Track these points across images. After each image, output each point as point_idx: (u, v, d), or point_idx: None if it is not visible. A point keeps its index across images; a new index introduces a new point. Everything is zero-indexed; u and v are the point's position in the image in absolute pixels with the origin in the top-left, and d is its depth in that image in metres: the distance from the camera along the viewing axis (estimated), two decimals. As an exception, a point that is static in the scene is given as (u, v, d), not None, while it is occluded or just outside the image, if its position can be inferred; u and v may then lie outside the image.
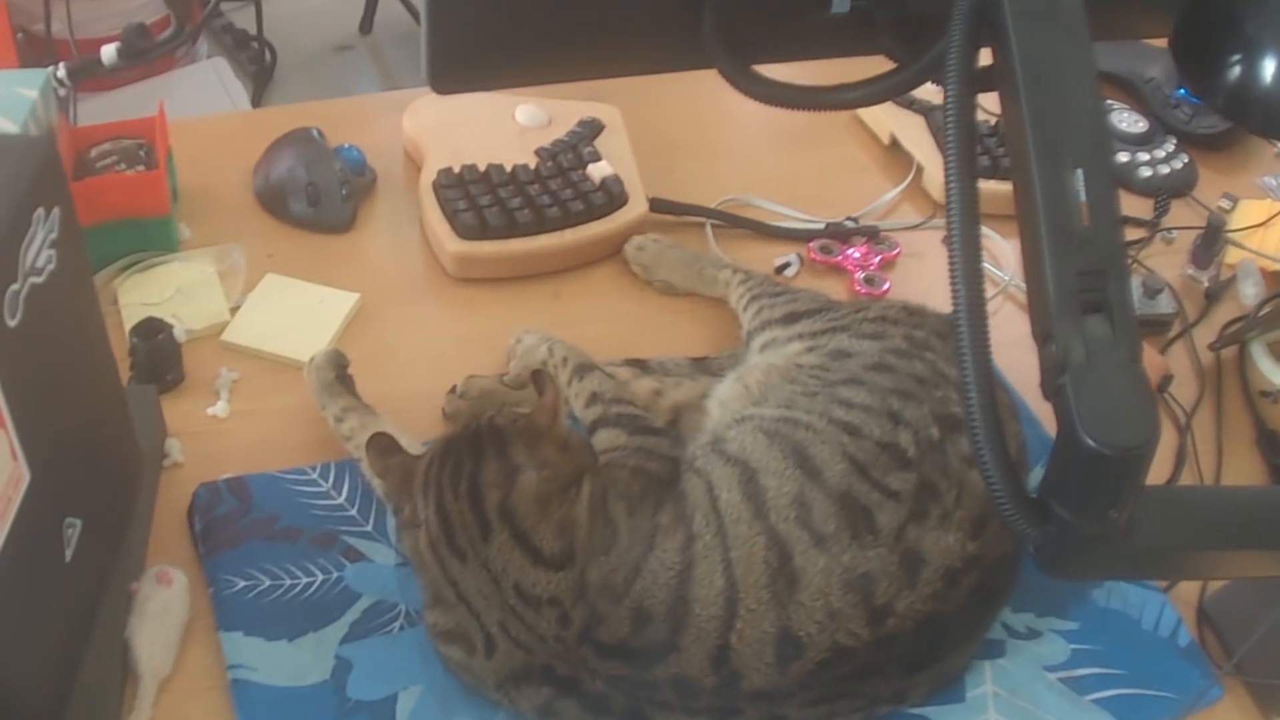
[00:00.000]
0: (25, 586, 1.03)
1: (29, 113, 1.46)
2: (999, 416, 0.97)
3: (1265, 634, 1.23)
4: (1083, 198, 0.96)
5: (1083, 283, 0.95)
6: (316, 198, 1.68)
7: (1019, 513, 0.97)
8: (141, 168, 1.61)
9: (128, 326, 1.47)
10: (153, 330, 1.45)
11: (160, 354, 1.45)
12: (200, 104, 3.05)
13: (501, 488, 1.16)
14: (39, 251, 1.02)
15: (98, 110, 2.18)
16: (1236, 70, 1.13)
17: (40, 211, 1.03)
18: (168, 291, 1.56)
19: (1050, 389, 0.95)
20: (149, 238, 1.61)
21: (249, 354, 1.52)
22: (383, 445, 1.24)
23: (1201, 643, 1.34)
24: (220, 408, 1.45)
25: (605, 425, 1.34)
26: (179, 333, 1.48)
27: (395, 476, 1.23)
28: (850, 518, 1.16)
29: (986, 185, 1.65)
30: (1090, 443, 0.90)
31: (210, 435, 1.43)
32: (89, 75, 1.71)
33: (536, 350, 1.46)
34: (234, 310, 1.56)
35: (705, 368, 1.52)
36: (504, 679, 1.16)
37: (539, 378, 1.23)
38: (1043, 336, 0.96)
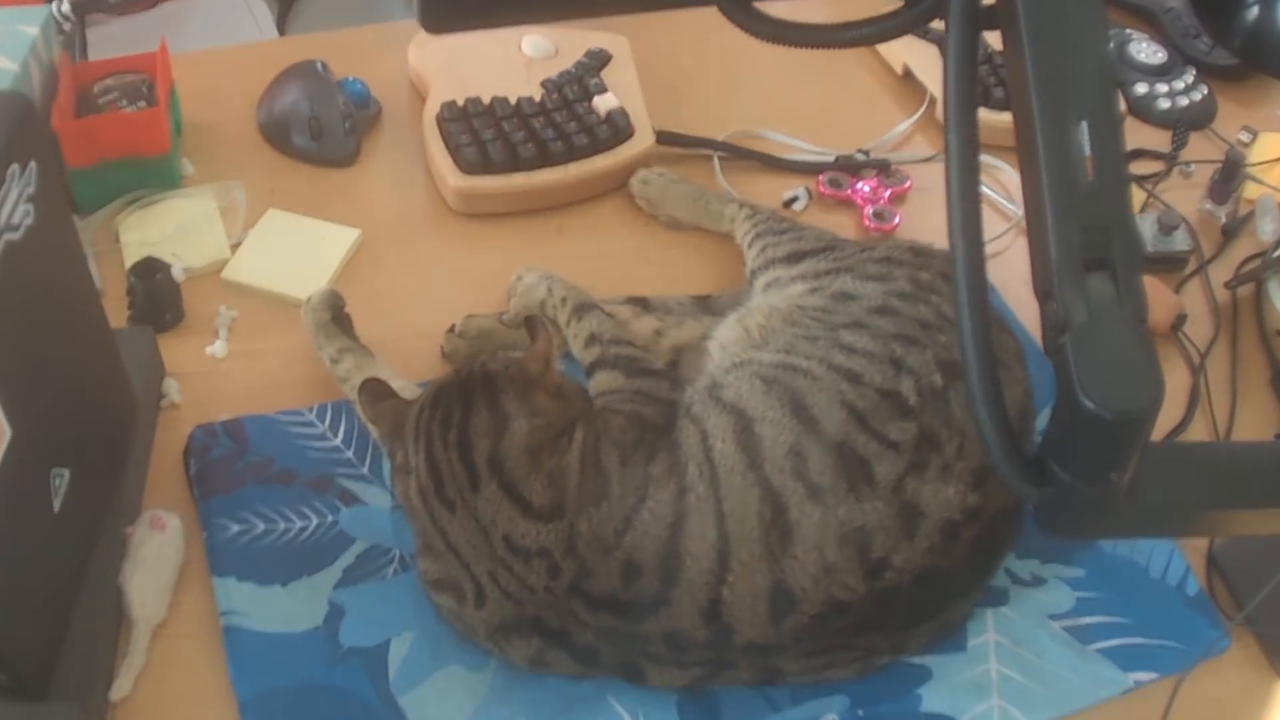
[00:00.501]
0: (12, 539, 1.02)
1: (29, 50, 1.44)
2: (998, 375, 0.95)
3: (1277, 585, 1.21)
4: (1088, 151, 0.93)
5: (1086, 239, 0.92)
6: (319, 131, 1.66)
7: (1017, 474, 0.95)
8: (144, 104, 1.59)
9: (128, 265, 1.46)
10: (151, 270, 1.44)
11: (158, 294, 1.44)
12: (224, 27, 3.00)
13: (491, 438, 1.14)
14: (14, 207, 1.01)
15: (117, 34, 2.17)
16: (1255, 10, 1.10)
17: (15, 167, 1.01)
18: (168, 229, 1.55)
19: (1051, 348, 0.92)
20: (150, 175, 1.59)
21: (249, 291, 1.51)
22: (375, 390, 1.23)
23: (1210, 592, 1.33)
24: (218, 347, 1.44)
25: (603, 367, 1.32)
26: (177, 272, 1.46)
27: (387, 422, 1.22)
28: (847, 469, 1.14)
29: (1000, 116, 1.63)
30: (1090, 405, 0.88)
31: (208, 375, 1.42)
32: (93, 9, 1.69)
33: (536, 289, 1.45)
34: (234, 247, 1.55)
35: (708, 307, 1.50)
36: (494, 629, 1.15)
37: (532, 323, 1.21)
38: (1043, 294, 0.93)
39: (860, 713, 1.19)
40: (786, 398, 1.19)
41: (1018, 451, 0.95)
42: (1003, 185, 1.74)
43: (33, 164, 1.04)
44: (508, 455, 1.14)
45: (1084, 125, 0.93)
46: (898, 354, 1.23)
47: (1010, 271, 1.53)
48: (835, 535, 1.12)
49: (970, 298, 0.94)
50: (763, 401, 1.20)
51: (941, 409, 1.19)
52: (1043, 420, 1.20)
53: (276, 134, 1.70)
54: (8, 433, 1.00)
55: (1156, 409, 0.89)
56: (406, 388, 1.30)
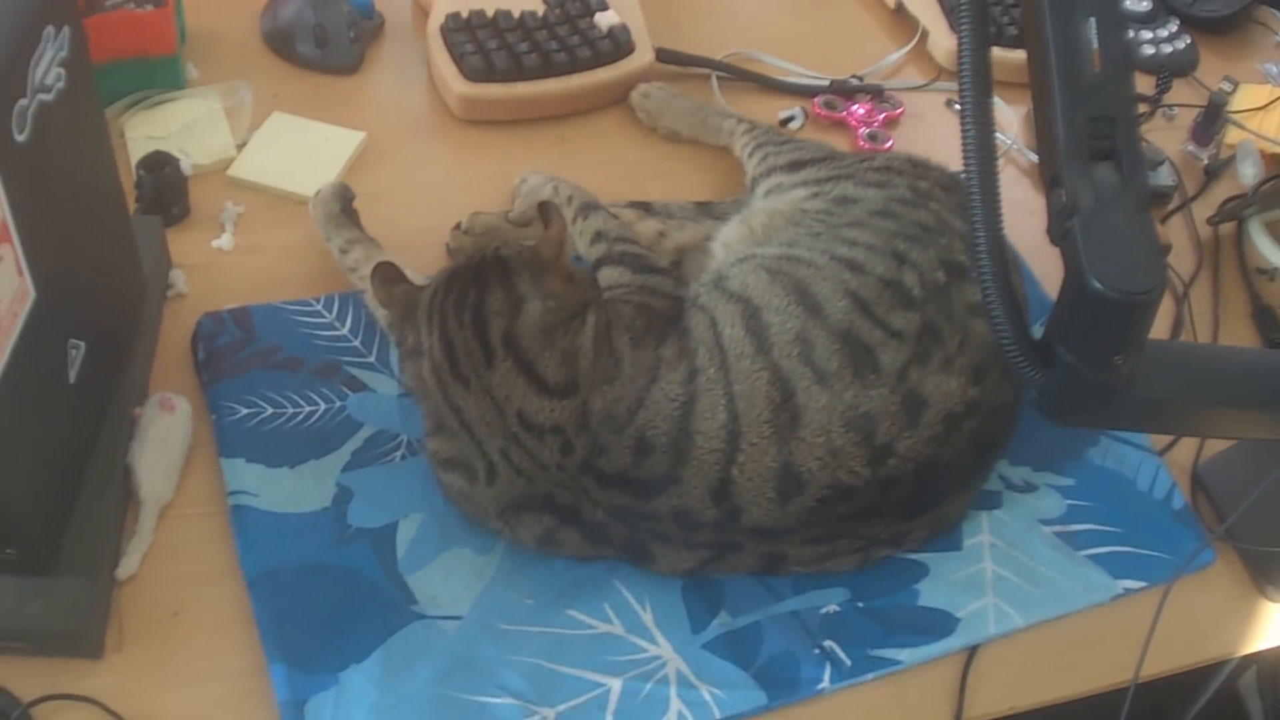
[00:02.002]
0: (29, 405, 1.03)
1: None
2: (1007, 261, 0.97)
3: (1257, 500, 1.24)
4: (1095, 45, 0.95)
5: (1093, 129, 0.94)
6: (324, 39, 1.67)
7: (1024, 355, 0.97)
8: (150, 6, 1.58)
9: (134, 161, 1.46)
10: (159, 163, 1.44)
11: (166, 186, 1.44)
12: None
13: (506, 316, 1.16)
14: (48, 69, 1.01)
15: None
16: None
17: (50, 29, 1.01)
18: (173, 127, 1.55)
19: (1058, 233, 0.95)
20: (156, 76, 1.60)
21: (254, 189, 1.52)
22: (388, 274, 1.24)
23: (1195, 506, 1.36)
24: (225, 240, 1.45)
25: (610, 263, 1.34)
26: (185, 166, 1.47)
27: (399, 305, 1.23)
28: (853, 355, 1.16)
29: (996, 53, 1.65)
30: (1098, 286, 0.90)
31: (214, 268, 1.43)
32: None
33: (541, 189, 1.46)
34: (240, 147, 1.55)
35: (709, 211, 1.52)
36: (504, 507, 1.17)
37: (546, 209, 1.22)
38: (1051, 180, 0.96)
39: (860, 604, 1.22)
40: (791, 286, 1.21)
41: (1026, 331, 0.97)
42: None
43: (66, 28, 1.04)
44: (523, 333, 1.15)
45: (1091, 20, 0.96)
46: (900, 249, 1.25)
47: (1002, 197, 1.55)
48: (841, 419, 1.14)
49: (983, 181, 0.96)
50: (768, 290, 1.21)
51: (944, 304, 1.21)
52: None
53: (281, 42, 1.70)
54: (32, 294, 1.01)
55: (1161, 291, 0.92)
56: (415, 278, 1.30)
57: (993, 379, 1.20)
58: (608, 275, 1.33)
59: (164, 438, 1.24)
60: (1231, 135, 1.79)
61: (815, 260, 1.24)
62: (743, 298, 1.22)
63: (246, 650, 1.14)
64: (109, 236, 1.24)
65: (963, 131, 0.96)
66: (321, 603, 1.16)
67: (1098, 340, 0.95)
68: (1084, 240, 0.92)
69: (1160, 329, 1.53)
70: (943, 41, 1.83)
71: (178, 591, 1.17)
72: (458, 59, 1.63)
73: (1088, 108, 0.95)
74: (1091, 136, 0.94)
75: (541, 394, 1.14)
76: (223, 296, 1.39)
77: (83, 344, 1.13)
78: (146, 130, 1.54)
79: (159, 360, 1.34)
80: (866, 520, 1.18)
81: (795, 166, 1.45)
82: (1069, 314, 0.96)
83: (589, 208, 1.42)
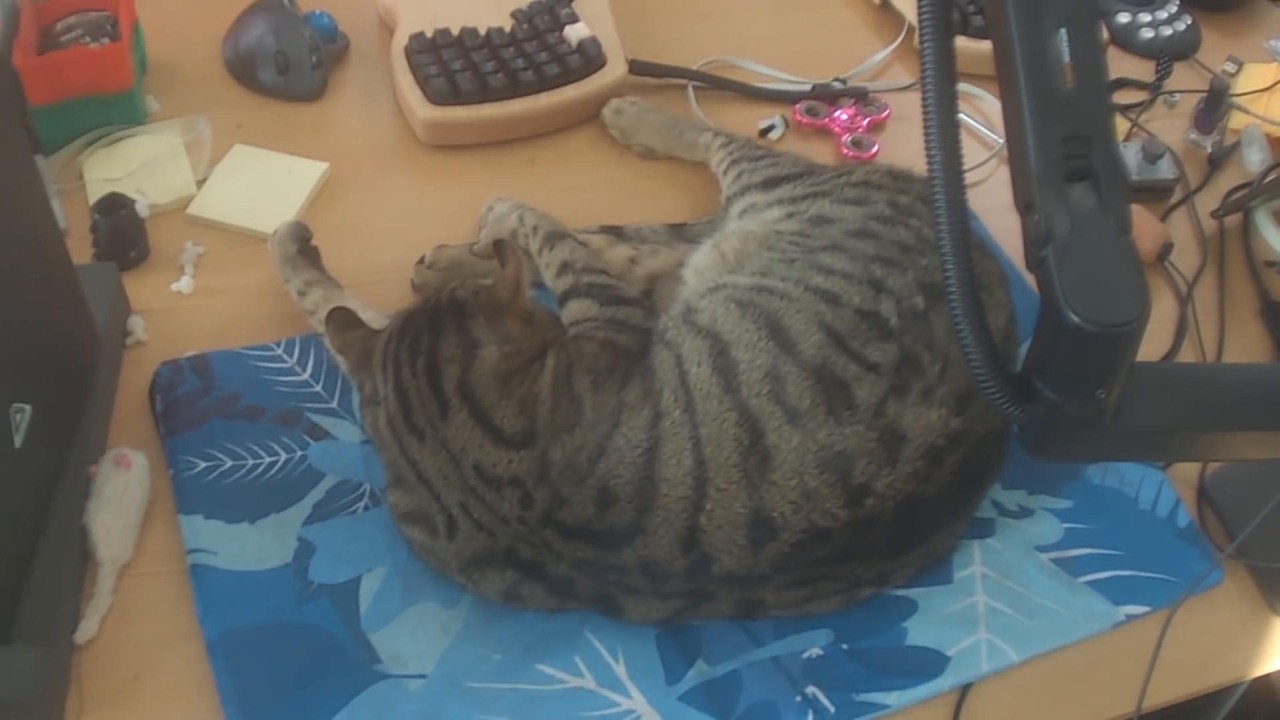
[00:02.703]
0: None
1: (-11, -12, 1.40)
2: (979, 290, 0.93)
3: (1269, 515, 1.18)
4: (1067, 59, 0.90)
5: (1067, 149, 0.89)
6: (286, 66, 1.63)
7: (1001, 392, 0.93)
8: (107, 40, 1.56)
9: (93, 202, 1.42)
10: (114, 206, 1.41)
11: (122, 230, 1.41)
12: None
13: (460, 363, 1.12)
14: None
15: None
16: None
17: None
18: (133, 165, 1.52)
19: (1033, 261, 0.90)
20: (114, 112, 1.56)
21: (215, 227, 1.48)
22: (342, 320, 1.21)
23: (1201, 523, 1.31)
24: (185, 283, 1.41)
25: (576, 296, 1.30)
26: (141, 208, 1.44)
27: (355, 352, 1.19)
28: (826, 392, 1.12)
29: (978, 45, 1.61)
30: (1075, 319, 0.86)
31: (174, 312, 1.39)
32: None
33: (507, 219, 1.42)
34: (200, 183, 1.52)
35: (683, 234, 1.48)
36: (466, 562, 1.13)
37: (502, 248, 1.18)
38: (1025, 206, 0.91)
39: (844, 646, 1.18)
40: (762, 320, 1.17)
41: (1002, 367, 0.93)
42: (983, 114, 1.72)
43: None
44: (478, 382, 1.11)
45: (1062, 32, 0.91)
46: (877, 275, 1.20)
47: (993, 199, 1.51)
48: (815, 460, 1.09)
49: (950, 208, 0.92)
50: (738, 325, 1.17)
51: (923, 331, 1.17)
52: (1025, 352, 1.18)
53: (243, 69, 1.66)
54: (-36, 366, 0.97)
55: (1143, 322, 0.87)
56: (375, 319, 1.27)
57: (978, 406, 1.15)
58: (574, 308, 1.28)
59: (120, 496, 1.20)
60: (1236, 120, 1.74)
61: (788, 291, 1.20)
62: (711, 333, 1.17)
63: (209, 714, 1.10)
64: (51, 290, 1.20)
65: (926, 140, 0.93)
66: (283, 664, 1.12)
67: (1078, 374, 0.90)
68: (1059, 270, 0.87)
69: (1164, 332, 1.49)
70: (930, 38, 1.78)
71: (138, 654, 1.14)
72: (421, 82, 1.59)
73: (1061, 126, 0.90)
74: (1066, 157, 0.89)
75: (498, 445, 1.09)
76: (183, 341, 1.35)
77: (28, 407, 1.09)
78: (105, 171, 1.51)
79: (119, 411, 1.30)
80: (847, 562, 1.14)
81: (770, 184, 1.41)
82: (1047, 347, 0.91)
83: (555, 237, 1.37)
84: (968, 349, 0.92)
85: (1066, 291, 0.87)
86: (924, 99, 0.93)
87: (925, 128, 0.93)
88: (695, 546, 1.09)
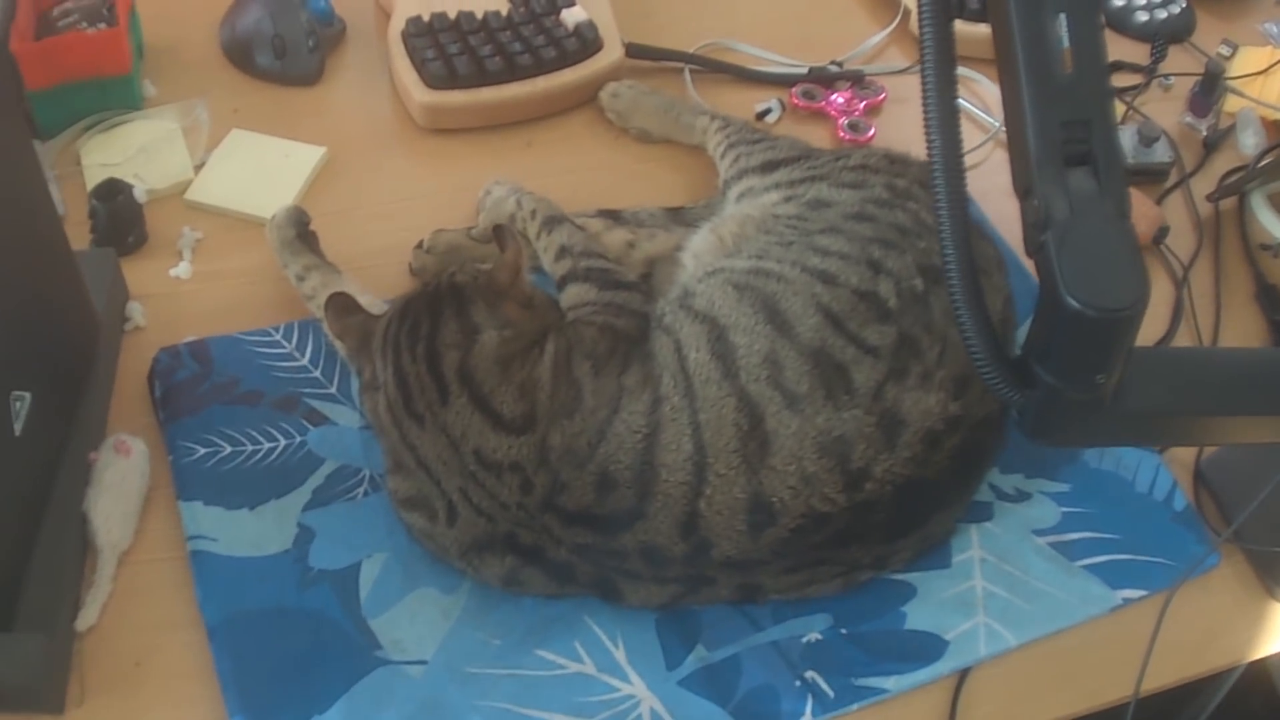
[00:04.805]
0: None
1: (-16, -27, 1.41)
2: (979, 274, 0.93)
3: (1266, 498, 1.18)
4: (1066, 44, 0.90)
5: (1066, 134, 0.89)
6: (283, 50, 1.63)
7: (1000, 377, 0.93)
8: (104, 25, 1.55)
9: (91, 188, 1.42)
10: (112, 192, 1.40)
11: (120, 216, 1.41)
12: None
13: (460, 348, 1.12)
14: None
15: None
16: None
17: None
18: (130, 150, 1.52)
19: (1032, 246, 0.90)
20: (111, 97, 1.56)
21: (213, 212, 1.48)
22: (341, 305, 1.21)
23: (1198, 507, 1.31)
24: (183, 269, 1.41)
25: (574, 280, 1.30)
26: (139, 193, 1.43)
27: (354, 337, 1.19)
28: (825, 377, 1.12)
29: (977, 28, 1.61)
30: (1074, 304, 0.86)
31: (173, 297, 1.39)
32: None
33: (505, 203, 1.42)
34: (198, 168, 1.52)
35: (680, 218, 1.47)
36: (466, 548, 1.13)
37: (501, 232, 1.18)
38: (1024, 191, 0.91)
39: (844, 631, 1.18)
40: (760, 303, 1.17)
41: (1001, 352, 0.93)
42: (980, 98, 1.72)
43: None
44: (477, 366, 1.11)
45: (1062, 17, 0.91)
46: (875, 257, 1.20)
47: (989, 182, 1.51)
48: (814, 445, 1.09)
49: (949, 193, 0.92)
50: (735, 309, 1.17)
51: (922, 314, 1.17)
52: (1024, 336, 1.18)
53: (240, 54, 1.66)
54: (-37, 353, 0.97)
55: (1142, 306, 0.87)
56: (374, 304, 1.27)
57: (976, 390, 1.15)
58: (573, 293, 1.28)
59: (120, 482, 1.20)
60: (1231, 103, 1.73)
61: (785, 273, 1.20)
62: (709, 317, 1.17)
63: (210, 700, 1.10)
64: (51, 282, 1.20)
65: (925, 121, 0.93)
66: (283, 650, 1.12)
67: (1077, 359, 0.91)
68: (1059, 254, 0.88)
69: (1160, 316, 1.49)
70: (927, 20, 1.78)
71: (139, 641, 1.14)
72: (419, 66, 1.59)
73: (1060, 111, 0.90)
74: (1065, 141, 0.89)
75: (498, 430, 1.09)
76: (181, 326, 1.35)
77: (28, 394, 1.09)
78: (103, 156, 1.50)
79: (118, 397, 1.30)
80: (846, 546, 1.14)
81: (768, 168, 1.41)
82: (1046, 332, 0.91)
83: (553, 221, 1.37)
84: (967, 335, 0.92)
85: (1066, 276, 0.87)
86: (924, 83, 0.93)
87: (925, 112, 0.93)
88: (695, 531, 1.09)
